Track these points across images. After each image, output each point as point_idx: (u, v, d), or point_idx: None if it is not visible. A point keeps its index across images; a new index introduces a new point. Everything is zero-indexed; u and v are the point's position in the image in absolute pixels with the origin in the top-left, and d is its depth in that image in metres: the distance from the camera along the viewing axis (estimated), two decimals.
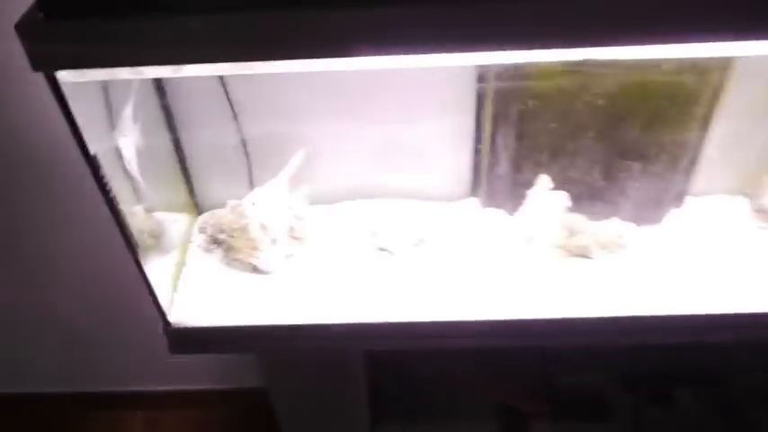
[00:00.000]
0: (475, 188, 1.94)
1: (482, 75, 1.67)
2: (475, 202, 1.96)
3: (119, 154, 1.58)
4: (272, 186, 1.62)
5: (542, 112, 1.61)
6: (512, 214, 1.73)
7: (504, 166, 1.78)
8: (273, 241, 1.73)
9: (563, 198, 1.60)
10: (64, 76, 1.17)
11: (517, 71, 1.55)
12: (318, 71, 1.71)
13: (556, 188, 1.61)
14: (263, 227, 1.65)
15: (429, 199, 1.98)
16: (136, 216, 1.82)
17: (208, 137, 1.87)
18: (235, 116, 1.79)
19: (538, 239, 1.63)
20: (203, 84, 1.76)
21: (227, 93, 1.76)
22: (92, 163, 1.31)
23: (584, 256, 1.62)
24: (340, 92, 1.77)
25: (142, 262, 1.60)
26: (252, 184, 1.90)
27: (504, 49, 1.11)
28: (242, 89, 1.78)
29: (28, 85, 1.80)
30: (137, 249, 1.54)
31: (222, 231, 1.75)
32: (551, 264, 1.59)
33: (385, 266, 1.65)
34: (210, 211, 1.70)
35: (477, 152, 1.86)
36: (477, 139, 1.84)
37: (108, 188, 1.39)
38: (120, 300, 2.42)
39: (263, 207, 1.64)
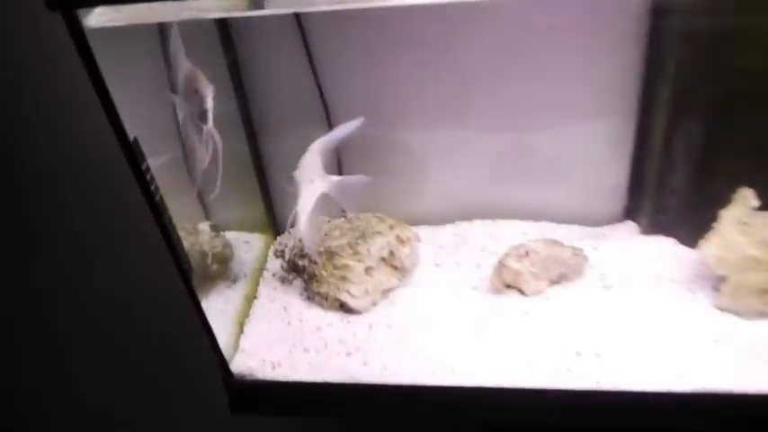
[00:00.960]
0: (633, 206, 1.50)
1: (661, 7, 1.18)
2: (632, 226, 1.51)
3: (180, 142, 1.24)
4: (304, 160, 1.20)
5: (760, 80, 1.10)
6: (690, 245, 1.37)
7: (682, 174, 1.31)
8: (368, 271, 1.32)
9: None
10: (91, 19, 0.84)
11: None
12: (431, 40, 1.36)
13: (764, 208, 1.22)
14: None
15: (570, 221, 1.56)
16: (201, 235, 1.48)
17: (291, 137, 1.50)
18: (326, 111, 1.42)
19: (733, 282, 1.24)
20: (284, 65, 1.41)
21: (314, 72, 1.39)
22: (130, 150, 0.96)
23: None
24: (453, 77, 1.38)
25: (204, 293, 1.25)
26: None
27: None
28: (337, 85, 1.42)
29: None
30: (191, 275, 1.17)
31: (303, 256, 1.37)
32: (752, 317, 1.21)
33: (512, 311, 1.33)
34: (290, 230, 1.31)
35: (639, 153, 1.40)
36: (641, 132, 1.37)
37: (154, 188, 1.03)
38: (178, 337, 2.05)
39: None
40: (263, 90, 1.48)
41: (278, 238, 1.55)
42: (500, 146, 1.48)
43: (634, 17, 1.25)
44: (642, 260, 1.39)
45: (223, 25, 1.35)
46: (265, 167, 1.59)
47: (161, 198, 1.06)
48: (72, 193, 1.68)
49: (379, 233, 1.38)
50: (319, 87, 1.41)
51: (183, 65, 1.11)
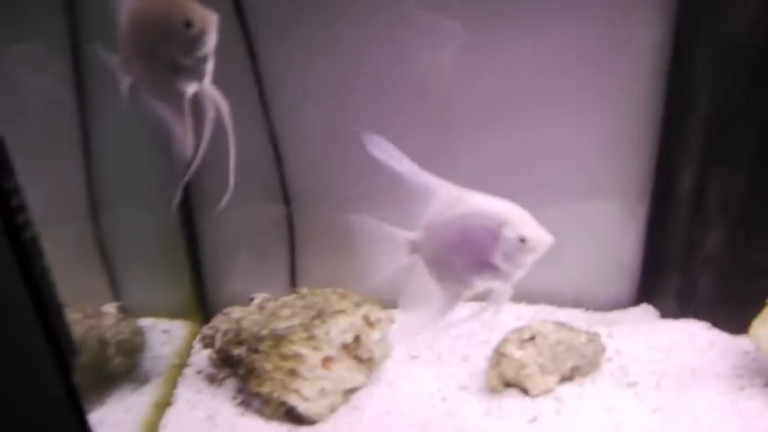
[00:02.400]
0: (650, 285, 1.26)
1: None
2: (650, 310, 1.27)
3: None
4: None
5: None
6: (731, 330, 1.13)
7: (717, 238, 1.09)
8: (325, 363, 0.99)
9: None
10: None
11: None
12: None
13: None
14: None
15: (570, 305, 1.30)
16: (104, 318, 1.13)
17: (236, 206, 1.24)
18: (283, 180, 1.18)
19: None
20: None
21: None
22: None
23: None
24: (436, 129, 1.19)
25: (97, 398, 0.90)
26: (293, 269, 1.21)
27: None
28: None
29: None
30: (71, 366, 0.81)
31: (241, 343, 1.04)
32: None
33: (515, 421, 1.03)
34: (225, 311, 0.97)
35: (657, 218, 1.20)
36: (660, 191, 1.17)
37: (23, 221, 0.70)
38: None
39: None
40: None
41: (209, 323, 1.20)
42: None
43: (650, 48, 1.08)
44: (671, 350, 1.15)
45: None
46: (198, 239, 1.27)
47: (34, 237, 0.72)
48: None
49: (341, 312, 1.07)
50: (277, 155, 1.16)
51: None
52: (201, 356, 1.18)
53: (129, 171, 1.20)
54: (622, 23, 1.10)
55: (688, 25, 1.05)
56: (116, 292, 1.26)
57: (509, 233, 0.73)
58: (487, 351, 1.12)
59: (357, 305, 1.10)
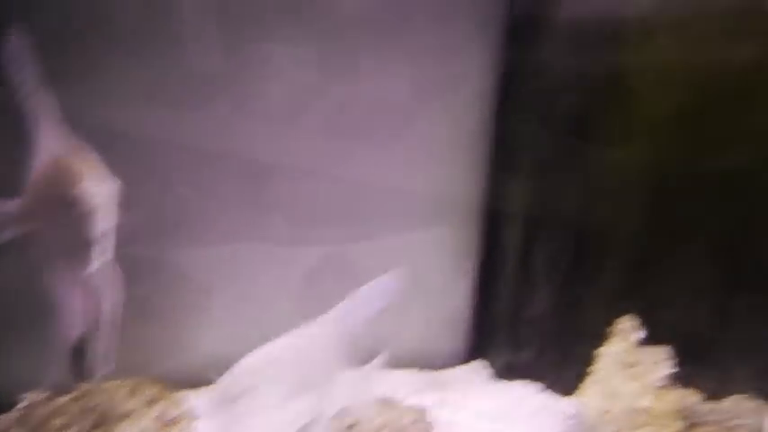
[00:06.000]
0: (481, 343, 1.23)
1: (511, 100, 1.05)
2: (482, 367, 1.23)
3: None
4: None
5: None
6: (563, 391, 1.10)
7: (545, 295, 1.07)
8: None
9: (664, 359, 0.98)
10: None
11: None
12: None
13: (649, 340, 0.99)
14: None
15: (401, 364, 1.22)
16: None
17: None
18: None
19: None
20: None
21: None
22: None
23: None
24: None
25: None
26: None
27: None
28: None
29: None
30: None
31: None
32: None
33: None
34: None
35: (485, 272, 1.17)
36: (488, 244, 1.14)
37: None
38: None
39: None
40: None
41: None
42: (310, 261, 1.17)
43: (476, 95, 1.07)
44: (503, 417, 1.11)
45: None
46: None
47: None
48: None
49: (126, 416, 0.89)
50: None
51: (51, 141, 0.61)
52: None
53: None
54: (449, 69, 1.06)
55: (512, 76, 1.02)
56: None
57: None
58: None
59: (150, 403, 0.94)
